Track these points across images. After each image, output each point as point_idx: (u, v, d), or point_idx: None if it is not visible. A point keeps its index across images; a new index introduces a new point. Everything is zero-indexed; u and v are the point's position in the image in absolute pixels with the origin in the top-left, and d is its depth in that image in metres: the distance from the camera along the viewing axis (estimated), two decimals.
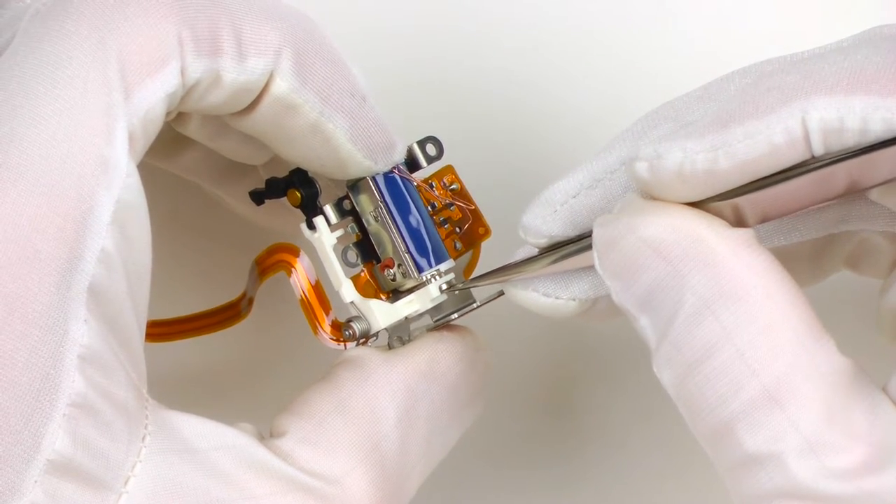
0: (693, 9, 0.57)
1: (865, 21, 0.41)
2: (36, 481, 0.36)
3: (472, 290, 0.46)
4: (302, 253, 0.46)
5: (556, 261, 0.43)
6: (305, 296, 0.45)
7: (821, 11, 0.57)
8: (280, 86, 0.41)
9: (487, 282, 0.45)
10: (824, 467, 0.37)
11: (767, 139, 0.38)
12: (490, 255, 0.47)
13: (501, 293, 0.45)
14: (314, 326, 0.45)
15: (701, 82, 0.42)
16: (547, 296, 0.44)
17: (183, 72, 0.39)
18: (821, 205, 0.40)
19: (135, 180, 0.39)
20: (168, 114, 0.41)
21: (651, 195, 0.40)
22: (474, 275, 0.46)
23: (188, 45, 0.39)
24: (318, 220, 0.45)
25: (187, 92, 0.40)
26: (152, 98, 0.39)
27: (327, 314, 0.45)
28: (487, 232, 0.47)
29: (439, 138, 0.46)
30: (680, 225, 0.39)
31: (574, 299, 0.44)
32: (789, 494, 0.37)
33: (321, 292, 0.46)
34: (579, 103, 0.57)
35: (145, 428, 0.39)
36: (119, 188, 0.38)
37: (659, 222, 0.39)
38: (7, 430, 0.36)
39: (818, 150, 0.38)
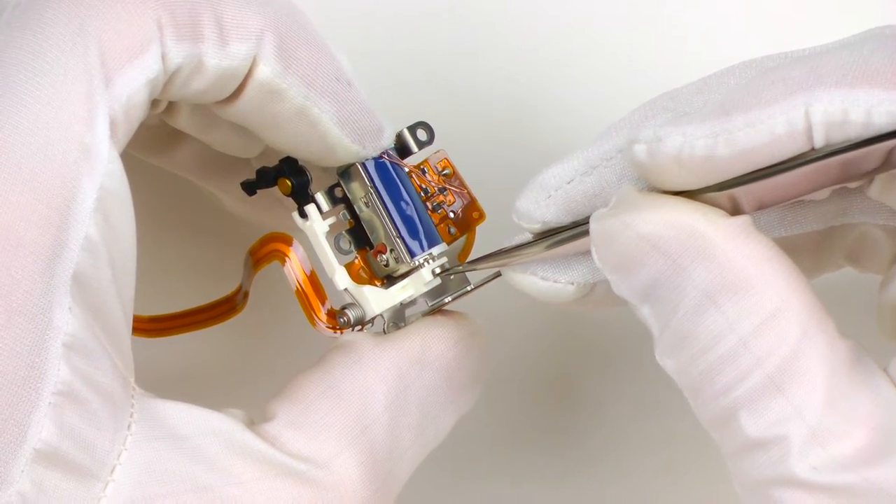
0: (691, 7, 0.57)
1: (865, 18, 0.41)
2: (23, 471, 0.36)
3: (467, 274, 0.46)
4: (295, 242, 0.46)
5: (551, 246, 0.43)
6: (300, 286, 0.45)
7: (819, 10, 0.57)
8: (263, 71, 0.41)
9: (482, 266, 0.44)
10: (827, 456, 0.37)
11: (769, 129, 0.38)
12: (485, 240, 0.46)
13: (498, 275, 0.45)
14: (310, 317, 0.45)
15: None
16: (545, 279, 0.44)
17: (164, 57, 0.39)
18: (813, 193, 0.39)
19: (117, 167, 0.39)
20: (156, 104, 0.41)
21: (647, 180, 0.40)
22: (469, 259, 0.46)
23: (168, 30, 0.39)
24: (309, 209, 0.45)
25: (170, 78, 0.40)
26: (133, 84, 0.39)
27: (323, 304, 0.45)
28: (482, 216, 0.46)
29: (430, 123, 0.46)
30: (676, 220, 0.39)
31: (573, 283, 0.44)
32: (790, 480, 0.37)
33: (316, 282, 0.45)
34: (575, 91, 0.57)
35: (131, 416, 0.38)
36: (101, 175, 0.38)
37: (654, 218, 0.39)
38: None
39: (819, 142, 0.38)
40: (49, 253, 0.37)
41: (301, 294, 0.45)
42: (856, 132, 0.37)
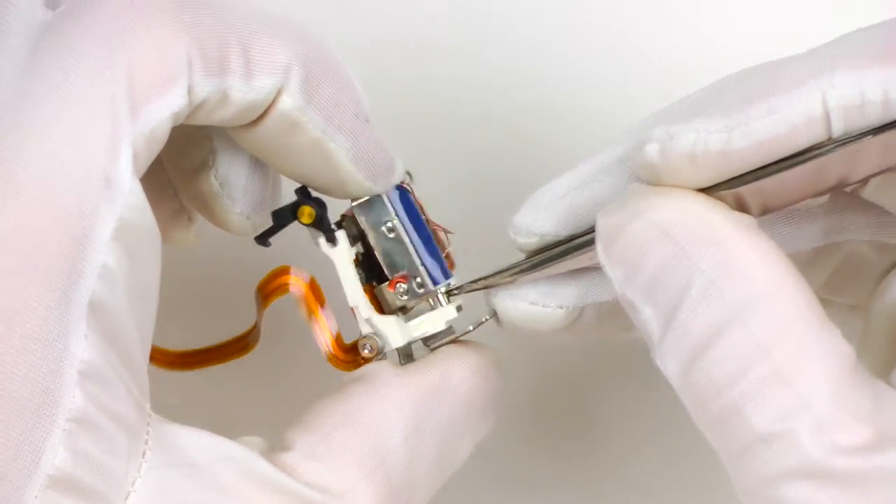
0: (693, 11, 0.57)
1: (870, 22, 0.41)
2: (36, 496, 0.36)
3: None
4: (291, 268, 0.45)
5: (549, 259, 0.43)
6: (303, 295, 0.45)
7: (824, 15, 0.57)
8: (286, 102, 0.41)
9: (491, 281, 0.44)
10: (834, 444, 0.36)
11: (785, 118, 0.38)
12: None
13: None
14: (309, 316, 0.45)
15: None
16: (534, 304, 0.44)
17: (190, 91, 0.40)
18: (814, 197, 0.40)
19: (138, 199, 0.39)
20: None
21: (657, 181, 0.40)
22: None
23: (197, 65, 0.40)
24: (340, 234, 0.45)
25: (195, 109, 0.40)
26: (158, 117, 0.39)
27: (322, 306, 0.45)
28: (452, 265, 0.46)
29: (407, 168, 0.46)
30: (688, 207, 0.39)
31: (561, 307, 0.44)
32: (799, 473, 0.36)
33: (316, 287, 0.45)
34: (559, 118, 0.57)
35: (146, 443, 0.38)
36: (122, 206, 0.38)
37: (667, 205, 0.39)
38: (7, 445, 0.36)
39: (838, 128, 0.38)
40: (65, 280, 0.37)
41: (302, 301, 0.45)
42: (876, 114, 0.37)
